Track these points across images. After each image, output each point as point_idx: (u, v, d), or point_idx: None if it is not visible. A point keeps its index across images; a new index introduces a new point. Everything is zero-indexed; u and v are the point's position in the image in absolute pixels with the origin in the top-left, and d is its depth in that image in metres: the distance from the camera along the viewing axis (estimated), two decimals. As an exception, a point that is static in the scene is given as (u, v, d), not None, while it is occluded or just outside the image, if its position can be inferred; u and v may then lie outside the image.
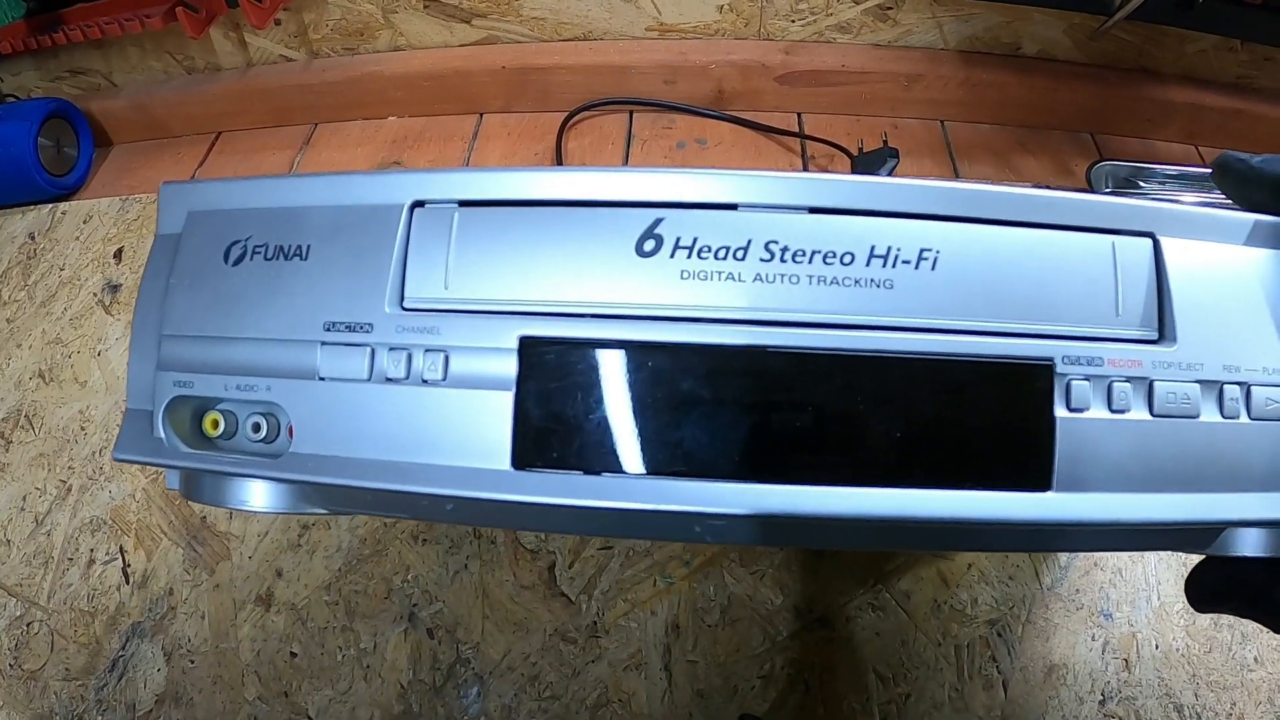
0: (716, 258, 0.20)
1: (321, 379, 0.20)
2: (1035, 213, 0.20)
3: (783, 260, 0.20)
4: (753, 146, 0.52)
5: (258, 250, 0.21)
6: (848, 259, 0.20)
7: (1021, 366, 0.20)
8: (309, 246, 0.21)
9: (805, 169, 0.49)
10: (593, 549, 0.40)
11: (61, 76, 0.62)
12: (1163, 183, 0.49)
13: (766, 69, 0.52)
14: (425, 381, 0.20)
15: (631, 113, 0.55)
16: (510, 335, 0.20)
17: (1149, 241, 0.20)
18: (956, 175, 0.50)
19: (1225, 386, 0.20)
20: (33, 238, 0.58)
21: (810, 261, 0.20)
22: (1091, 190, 0.44)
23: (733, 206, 0.20)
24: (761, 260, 0.20)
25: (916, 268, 0.20)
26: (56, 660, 0.43)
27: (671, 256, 0.20)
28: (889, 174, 0.46)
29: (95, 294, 0.53)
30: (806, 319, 0.20)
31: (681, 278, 0.20)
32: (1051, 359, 0.20)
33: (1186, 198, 0.49)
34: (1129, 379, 0.20)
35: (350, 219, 0.21)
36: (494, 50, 0.55)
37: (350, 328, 0.20)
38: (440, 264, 0.20)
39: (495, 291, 0.20)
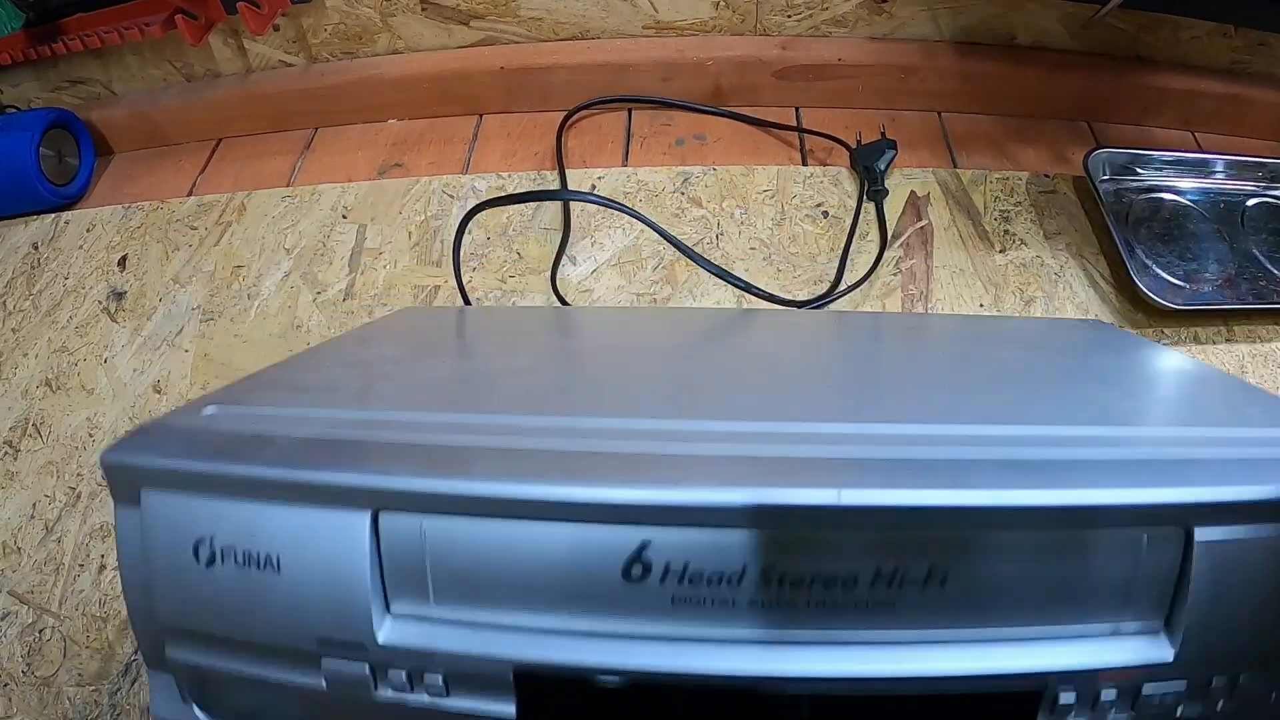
0: (709, 584, 0.18)
1: (326, 688, 0.19)
2: (1069, 519, 0.18)
3: (780, 585, 0.18)
4: (751, 142, 0.53)
5: (227, 553, 0.19)
6: (850, 583, 0.18)
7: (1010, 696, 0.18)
8: (279, 558, 0.19)
9: (804, 163, 0.50)
10: None
11: (61, 86, 0.63)
12: (1159, 169, 0.50)
13: (763, 64, 0.52)
14: (430, 693, 0.19)
15: (630, 110, 0.55)
16: (505, 663, 0.19)
17: (1181, 532, 0.18)
18: (954, 165, 0.51)
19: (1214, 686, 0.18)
20: (36, 247, 0.59)
21: (810, 586, 0.18)
22: (1090, 179, 0.45)
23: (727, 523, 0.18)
24: (757, 587, 0.18)
25: (924, 588, 0.18)
26: (70, 666, 0.44)
27: (661, 583, 0.18)
28: (887, 165, 0.46)
29: (100, 302, 0.54)
30: (802, 639, 0.18)
31: (673, 604, 0.18)
32: (1043, 686, 0.18)
33: (1183, 183, 0.49)
34: (1117, 689, 0.18)
35: (314, 527, 0.19)
36: (492, 51, 0.56)
37: (343, 645, 0.19)
38: (421, 576, 0.19)
39: (483, 608, 0.19)
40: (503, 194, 0.48)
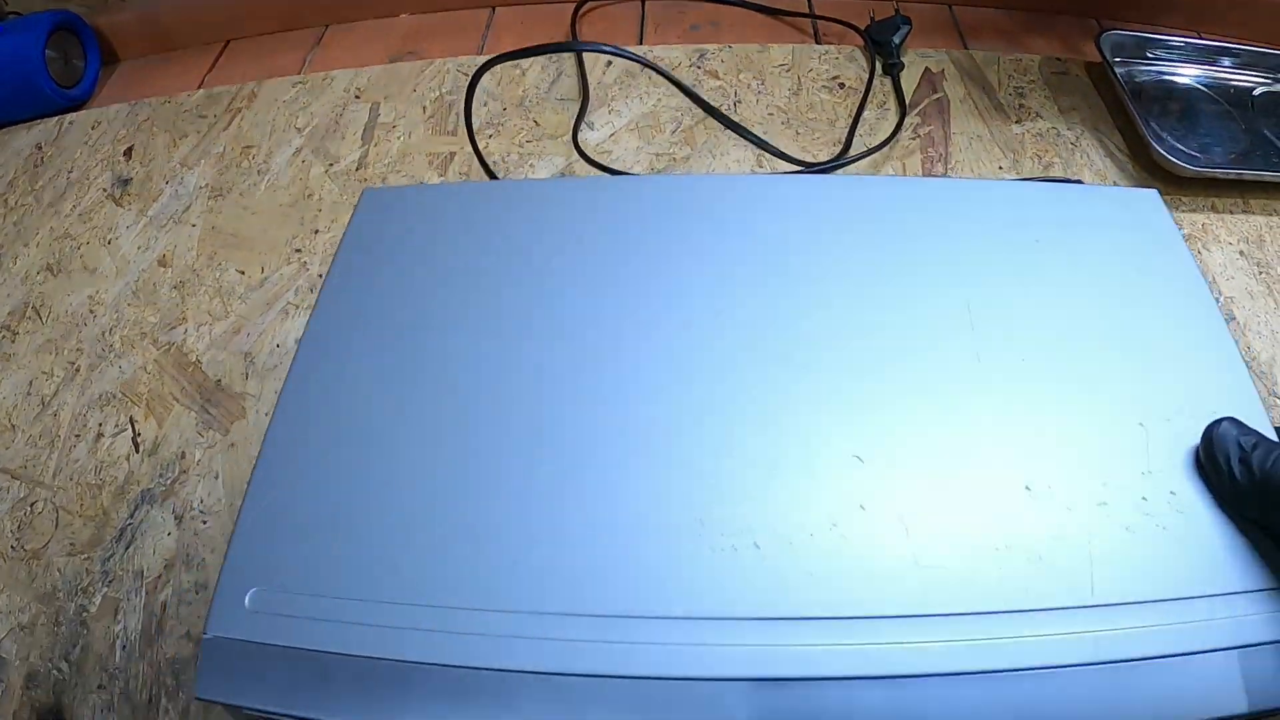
0: None
1: None
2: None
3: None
4: (764, 26, 0.53)
5: None
6: None
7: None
8: None
9: (819, 43, 0.51)
10: None
11: (68, -7, 0.64)
12: (1170, 52, 0.51)
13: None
14: None
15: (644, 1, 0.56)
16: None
17: None
18: (965, 46, 0.51)
19: None
20: (39, 147, 0.58)
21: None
22: (1103, 55, 0.46)
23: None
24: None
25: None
26: (61, 537, 0.43)
27: None
28: (901, 40, 0.46)
29: (105, 189, 0.54)
30: None
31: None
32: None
33: (1193, 69, 0.51)
34: None
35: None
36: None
37: None
38: None
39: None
40: (517, 71, 0.49)
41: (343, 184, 0.46)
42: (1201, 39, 0.51)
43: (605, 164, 0.43)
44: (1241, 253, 0.42)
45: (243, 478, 0.41)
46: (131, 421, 0.43)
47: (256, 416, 0.41)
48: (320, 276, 0.43)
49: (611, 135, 0.45)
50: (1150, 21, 0.53)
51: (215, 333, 0.43)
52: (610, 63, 0.48)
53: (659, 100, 0.46)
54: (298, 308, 0.43)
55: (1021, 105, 0.46)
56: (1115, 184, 0.44)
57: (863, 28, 0.48)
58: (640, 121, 0.45)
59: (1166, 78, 0.49)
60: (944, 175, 0.43)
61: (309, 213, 0.46)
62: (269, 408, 0.42)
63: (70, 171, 0.54)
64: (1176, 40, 0.49)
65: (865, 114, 0.45)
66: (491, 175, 0.43)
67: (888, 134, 0.43)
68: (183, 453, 0.41)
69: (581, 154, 0.42)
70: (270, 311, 0.43)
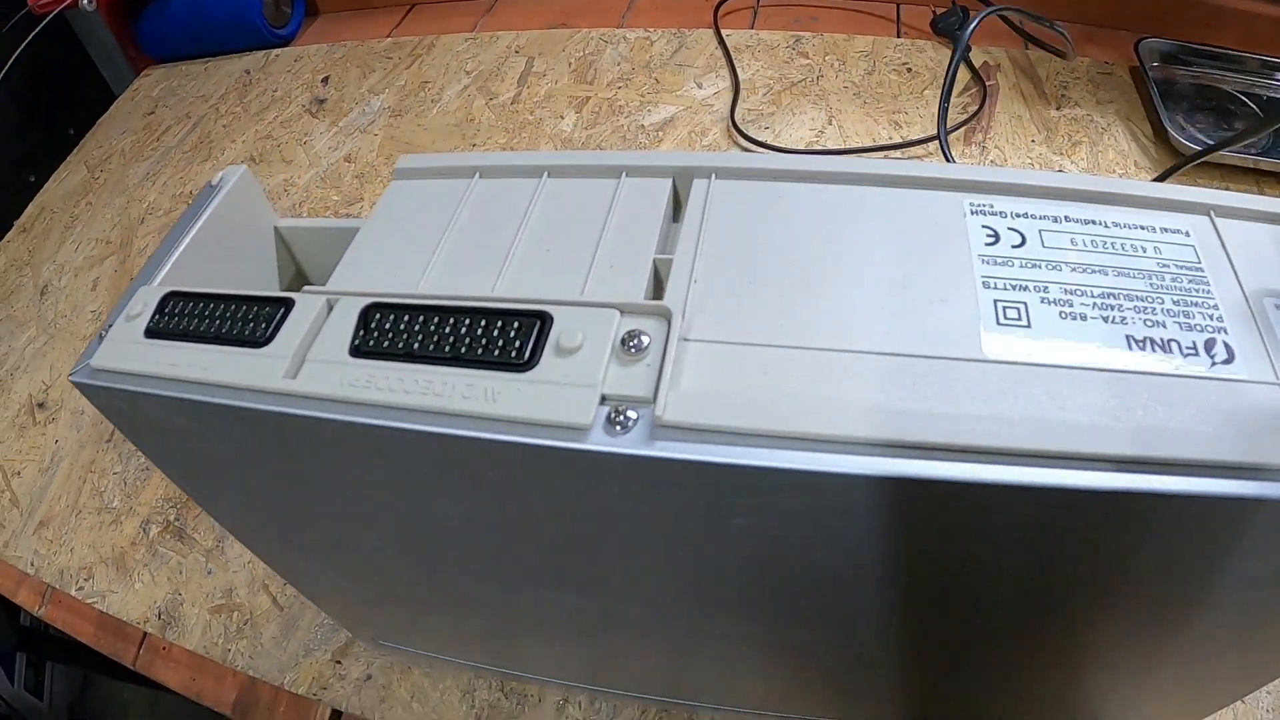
0: None
1: None
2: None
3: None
4: (856, 21, 0.64)
5: None
6: None
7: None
8: None
9: (899, 35, 0.65)
10: None
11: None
12: (1205, 60, 0.58)
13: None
14: None
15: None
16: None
17: None
18: (1026, 46, 0.65)
19: None
20: (248, 73, 0.77)
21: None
22: (1139, 58, 0.58)
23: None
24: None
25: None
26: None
27: None
28: (968, 33, 0.60)
29: (304, 105, 0.70)
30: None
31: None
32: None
33: (1227, 75, 0.61)
34: None
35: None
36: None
37: None
38: None
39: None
40: (648, 40, 0.64)
41: (499, 113, 0.62)
42: (1235, 50, 0.59)
43: (716, 116, 0.58)
44: (1241, 232, 0.53)
45: None
46: (312, 267, 0.58)
47: None
48: (472, 175, 0.59)
49: (716, 93, 0.60)
50: (1202, 40, 0.65)
51: (386, 207, 0.59)
52: (724, 38, 0.64)
53: (756, 71, 0.61)
54: (454, 193, 0.58)
55: (1064, 95, 0.59)
56: (1135, 162, 0.56)
57: (930, 21, 0.63)
58: (742, 86, 0.61)
59: (1203, 83, 0.60)
60: (981, 143, 0.57)
61: (469, 131, 0.61)
62: None
63: (274, 91, 0.72)
64: (1219, 51, 0.58)
65: (925, 93, 0.59)
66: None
67: (939, 113, 0.57)
68: (352, 290, 0.56)
69: (735, 126, 0.57)
70: (432, 195, 0.59)
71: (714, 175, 0.26)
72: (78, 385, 0.26)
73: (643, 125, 0.56)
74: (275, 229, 0.35)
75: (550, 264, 0.25)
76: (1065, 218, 0.25)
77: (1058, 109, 0.57)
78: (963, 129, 0.55)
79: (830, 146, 0.54)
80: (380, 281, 0.26)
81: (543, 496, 0.23)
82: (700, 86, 0.58)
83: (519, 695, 0.37)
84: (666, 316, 0.22)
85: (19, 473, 0.58)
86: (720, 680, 0.34)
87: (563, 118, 0.57)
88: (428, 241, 0.27)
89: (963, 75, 0.58)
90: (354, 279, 0.27)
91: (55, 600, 0.52)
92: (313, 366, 0.23)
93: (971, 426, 0.19)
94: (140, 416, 0.26)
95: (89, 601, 0.47)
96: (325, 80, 0.67)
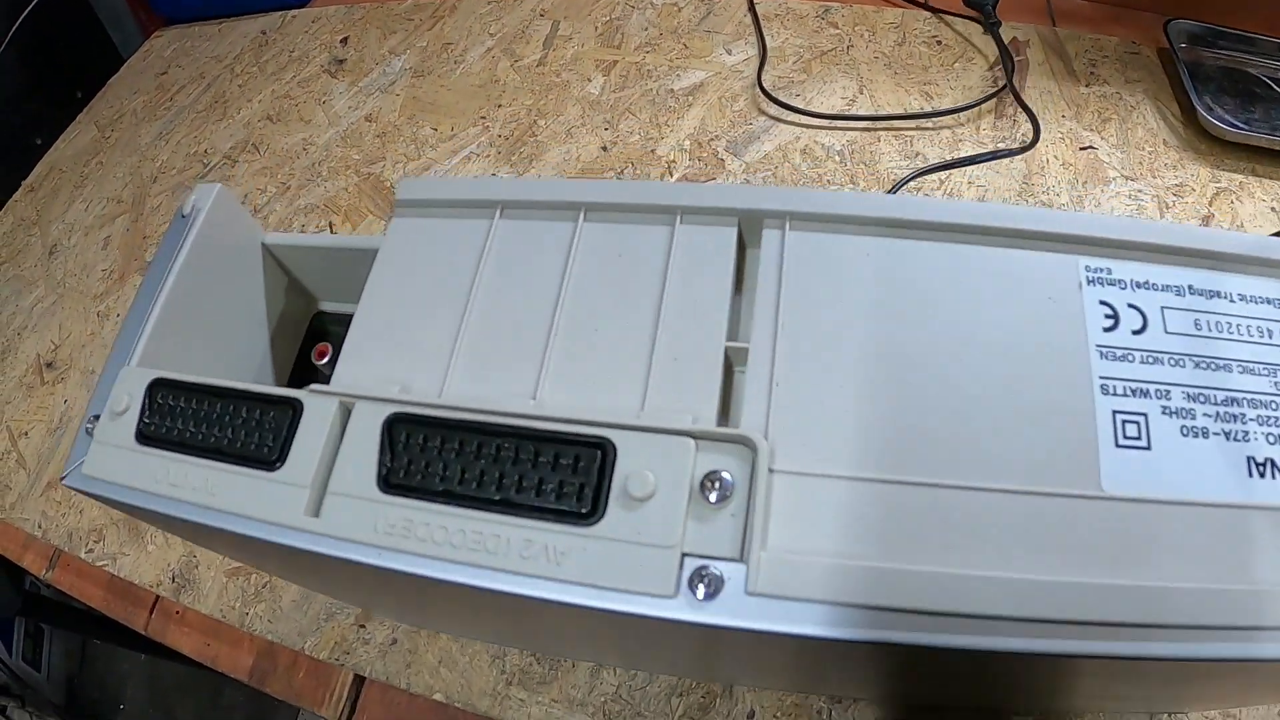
0: None
1: None
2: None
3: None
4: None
5: None
6: None
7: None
8: None
9: (928, 9, 0.62)
10: None
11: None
12: (1233, 43, 0.58)
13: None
14: None
15: None
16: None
17: None
18: (1054, 24, 0.63)
19: None
20: (264, 33, 0.73)
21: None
22: (1168, 38, 0.56)
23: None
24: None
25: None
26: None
27: None
28: (994, 5, 0.56)
29: (322, 65, 0.67)
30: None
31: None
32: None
33: (1254, 58, 0.60)
34: None
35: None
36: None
37: None
38: None
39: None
40: (675, 6, 0.58)
41: (524, 75, 0.59)
42: (1271, 37, 0.57)
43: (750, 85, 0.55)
44: (1273, 209, 0.51)
45: None
46: (330, 225, 0.54)
47: None
48: (501, 137, 0.55)
49: (745, 60, 0.57)
50: (1230, 25, 0.63)
51: (408, 168, 0.55)
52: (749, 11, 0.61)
53: (786, 39, 0.58)
54: (479, 155, 0.54)
55: (1092, 73, 0.57)
56: (1164, 141, 0.54)
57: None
58: (771, 54, 0.57)
59: (1231, 66, 0.59)
60: (1012, 116, 0.54)
61: (494, 92, 0.58)
62: None
63: (291, 51, 0.68)
64: (1246, 35, 0.56)
65: (956, 66, 0.56)
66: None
67: (972, 83, 0.54)
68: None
69: (764, 91, 0.54)
70: (455, 157, 0.55)
71: (788, 223, 0.22)
72: (71, 488, 0.23)
73: (672, 90, 0.53)
74: (263, 245, 0.31)
75: (601, 354, 0.21)
76: (1189, 288, 0.21)
77: (1087, 86, 0.54)
78: (994, 101, 0.52)
79: (862, 115, 0.51)
80: (397, 373, 0.22)
81: (615, 626, 0.20)
82: (729, 53, 0.55)
83: (551, 660, 0.34)
84: (751, 449, 0.18)
85: (26, 433, 0.54)
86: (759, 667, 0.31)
87: (590, 80, 0.54)
88: (449, 316, 0.22)
89: (991, 50, 0.56)
90: (366, 370, 0.22)
91: (63, 564, 0.48)
92: (338, 502, 0.20)
93: (1099, 598, 0.17)
94: (145, 516, 0.23)
95: (99, 564, 0.44)
96: (344, 41, 0.63)
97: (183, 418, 0.22)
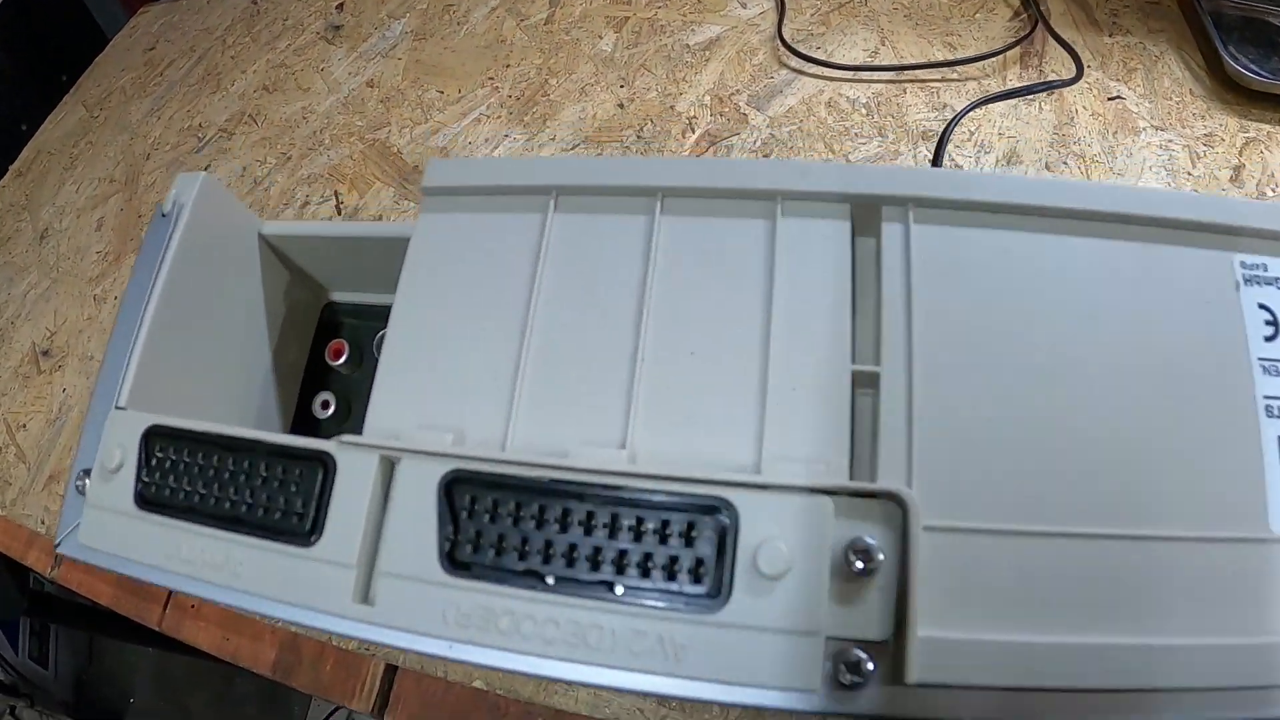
0: None
1: None
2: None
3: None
4: None
5: None
6: None
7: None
8: None
9: None
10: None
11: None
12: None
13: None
14: None
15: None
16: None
17: None
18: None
19: None
20: (255, 2, 0.68)
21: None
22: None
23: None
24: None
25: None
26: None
27: None
28: None
29: (318, 33, 0.63)
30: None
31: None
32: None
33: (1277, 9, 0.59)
34: None
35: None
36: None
37: None
38: None
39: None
40: None
41: (531, 34, 0.55)
42: None
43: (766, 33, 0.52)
44: (1303, 155, 0.49)
45: None
46: (336, 194, 0.51)
47: None
48: (511, 97, 0.52)
49: (761, 13, 0.54)
50: None
51: (415, 133, 0.52)
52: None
53: (802, -7, 0.55)
54: (489, 117, 0.51)
55: (1114, 23, 0.54)
56: (1190, 90, 0.51)
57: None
58: (787, 7, 0.54)
59: (1252, 16, 0.57)
60: (1038, 66, 0.51)
61: (501, 52, 0.54)
62: None
63: (285, 20, 0.64)
64: None
65: (977, 16, 0.54)
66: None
67: (994, 34, 0.52)
68: (380, 215, 0.49)
69: (785, 44, 0.51)
70: (465, 119, 0.51)
71: (911, 212, 0.17)
72: (67, 558, 0.19)
73: (688, 45, 0.49)
74: (261, 237, 0.27)
75: (701, 384, 0.17)
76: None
77: (1110, 36, 0.52)
78: (1018, 52, 0.49)
79: (886, 65, 0.48)
80: (446, 415, 0.17)
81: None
82: (744, 6, 0.52)
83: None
84: (901, 506, 0.15)
85: (24, 425, 0.50)
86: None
87: (601, 38, 0.51)
88: (505, 338, 0.18)
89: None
90: (406, 411, 0.18)
91: (69, 561, 0.44)
92: (393, 585, 0.16)
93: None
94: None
95: None
96: (340, 6, 0.60)
97: (188, 475, 0.18)
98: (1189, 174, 0.46)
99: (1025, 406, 0.16)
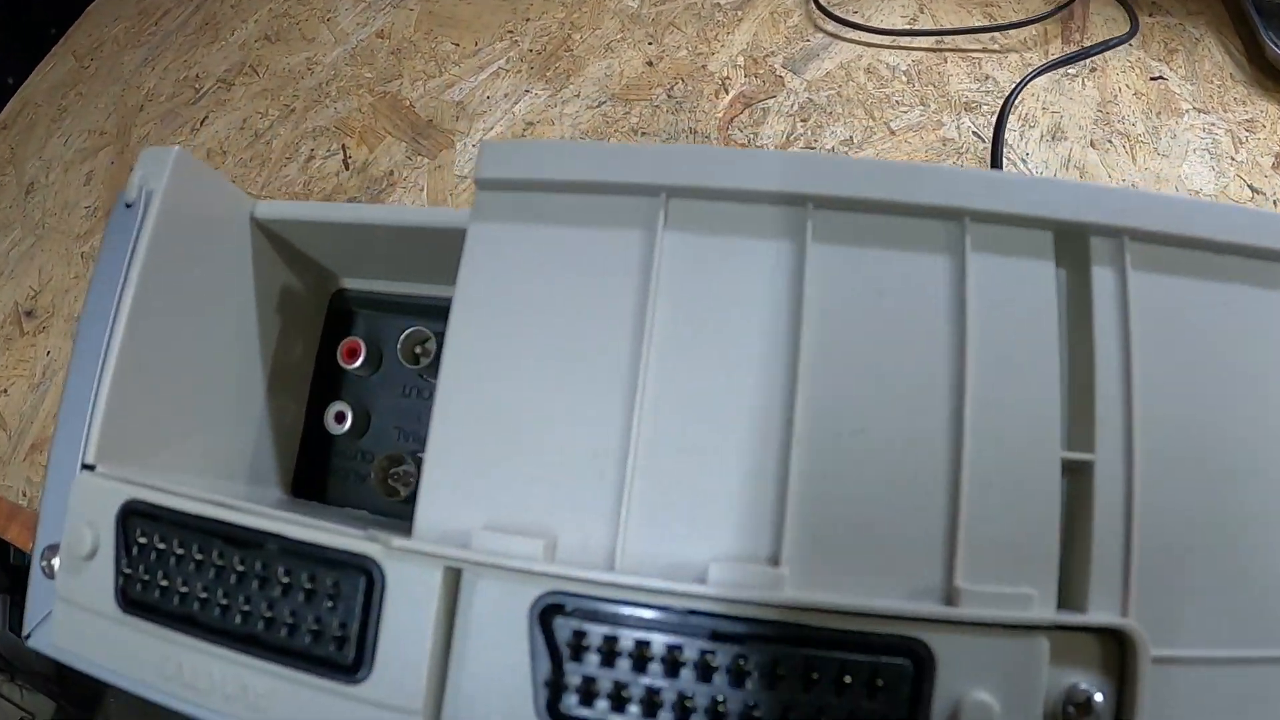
0: None
1: None
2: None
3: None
4: None
5: None
6: None
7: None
8: None
9: None
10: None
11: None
12: None
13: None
14: None
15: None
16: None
17: None
18: None
19: None
20: None
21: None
22: None
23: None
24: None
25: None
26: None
27: None
28: None
29: None
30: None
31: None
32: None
33: None
34: None
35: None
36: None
37: None
38: None
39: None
40: None
41: (550, -13, 0.52)
42: None
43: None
44: (1348, 140, 0.47)
45: (445, 189, 0.45)
46: (343, 148, 0.47)
47: (463, 147, 0.45)
48: (532, 52, 0.48)
49: (794, -26, 0.51)
50: None
51: (429, 86, 0.48)
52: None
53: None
54: (508, 71, 0.47)
55: (1154, 3, 0.52)
56: (1231, 75, 0.49)
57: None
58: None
59: None
60: (1079, 42, 0.48)
61: (521, 5, 0.50)
62: (475, 142, 0.46)
63: (289, -29, 0.60)
64: None
65: (1018, -12, 0.51)
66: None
67: (1034, 5, 0.49)
68: (391, 171, 0.45)
69: (820, 6, 0.47)
70: (482, 73, 0.47)
71: (1126, 250, 0.13)
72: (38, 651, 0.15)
73: (718, 4, 0.46)
74: (254, 220, 0.21)
75: (869, 474, 0.12)
76: None
77: (1150, 16, 0.49)
78: (1059, 23, 0.46)
79: (927, 30, 0.45)
80: (528, 508, 0.13)
81: None
82: (777, -31, 0.48)
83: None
84: (1133, 644, 0.11)
85: (5, 390, 0.46)
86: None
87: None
88: (605, 404, 0.13)
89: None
90: (473, 502, 0.13)
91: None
92: None
93: None
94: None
95: None
96: (348, -42, 0.55)
97: (184, 571, 0.13)
98: (1232, 159, 0.44)
99: (1251, 505, 0.12)
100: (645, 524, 0.13)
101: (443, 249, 0.20)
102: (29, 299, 0.50)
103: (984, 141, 0.43)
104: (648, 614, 0.12)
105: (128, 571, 0.14)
